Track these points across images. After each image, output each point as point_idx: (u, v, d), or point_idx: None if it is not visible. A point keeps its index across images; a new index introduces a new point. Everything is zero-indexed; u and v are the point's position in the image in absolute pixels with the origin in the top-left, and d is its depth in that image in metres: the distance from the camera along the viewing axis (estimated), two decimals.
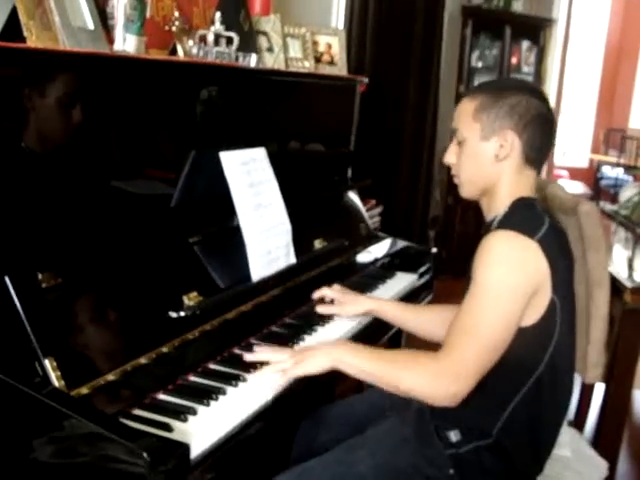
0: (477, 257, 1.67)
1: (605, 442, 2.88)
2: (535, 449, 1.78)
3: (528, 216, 1.72)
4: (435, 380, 1.60)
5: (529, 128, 1.72)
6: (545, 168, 7.46)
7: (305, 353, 1.76)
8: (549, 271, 1.62)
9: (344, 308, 2.15)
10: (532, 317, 1.64)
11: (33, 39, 1.66)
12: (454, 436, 1.75)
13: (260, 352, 1.81)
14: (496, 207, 1.79)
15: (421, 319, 2.11)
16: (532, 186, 1.80)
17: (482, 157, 1.77)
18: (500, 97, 1.73)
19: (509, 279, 1.61)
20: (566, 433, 2.09)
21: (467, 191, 1.85)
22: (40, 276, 1.50)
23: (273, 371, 1.74)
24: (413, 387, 1.64)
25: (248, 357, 1.79)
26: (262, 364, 1.79)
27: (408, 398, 1.74)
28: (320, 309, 2.16)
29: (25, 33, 1.64)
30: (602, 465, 2.11)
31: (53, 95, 1.59)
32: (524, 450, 1.74)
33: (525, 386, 1.69)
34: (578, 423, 3.24)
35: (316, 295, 2.19)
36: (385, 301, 2.24)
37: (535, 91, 1.79)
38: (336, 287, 2.22)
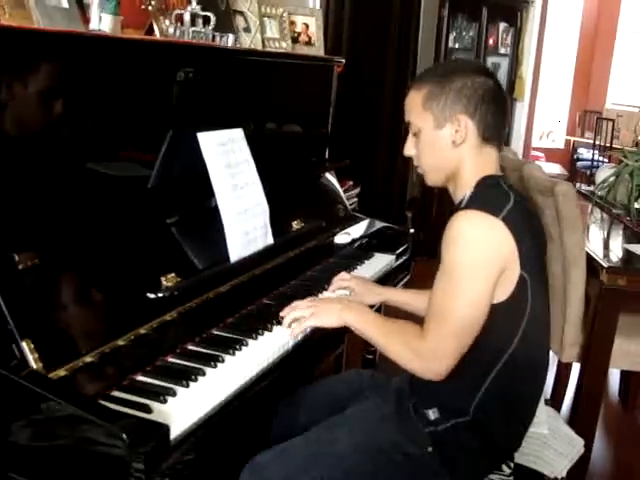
0: (444, 238, 1.68)
1: (581, 420, 2.91)
2: (512, 425, 1.80)
3: (492, 195, 1.73)
4: (418, 359, 1.68)
5: (480, 108, 1.73)
6: (521, 149, 7.48)
7: (322, 306, 1.88)
8: (515, 248, 1.63)
9: (363, 298, 2.16)
10: (503, 294, 1.66)
11: (6, 17, 1.64)
12: (432, 414, 1.76)
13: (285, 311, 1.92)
14: (462, 190, 1.80)
15: None
16: (495, 163, 1.81)
17: (440, 145, 1.78)
18: (446, 83, 1.74)
19: (476, 257, 1.62)
20: (543, 411, 2.11)
21: (432, 179, 1.87)
22: (17, 257, 1.48)
23: (292, 317, 1.88)
24: (402, 362, 1.72)
25: (284, 313, 1.91)
26: (240, 345, 1.80)
27: (387, 378, 1.77)
28: None
29: None
30: (579, 442, 2.14)
31: (27, 76, 1.56)
32: (501, 427, 1.76)
33: (499, 364, 1.70)
34: (555, 401, 3.28)
35: (333, 287, 2.21)
36: (398, 290, 2.30)
37: (479, 69, 1.80)
38: (344, 275, 2.24)
